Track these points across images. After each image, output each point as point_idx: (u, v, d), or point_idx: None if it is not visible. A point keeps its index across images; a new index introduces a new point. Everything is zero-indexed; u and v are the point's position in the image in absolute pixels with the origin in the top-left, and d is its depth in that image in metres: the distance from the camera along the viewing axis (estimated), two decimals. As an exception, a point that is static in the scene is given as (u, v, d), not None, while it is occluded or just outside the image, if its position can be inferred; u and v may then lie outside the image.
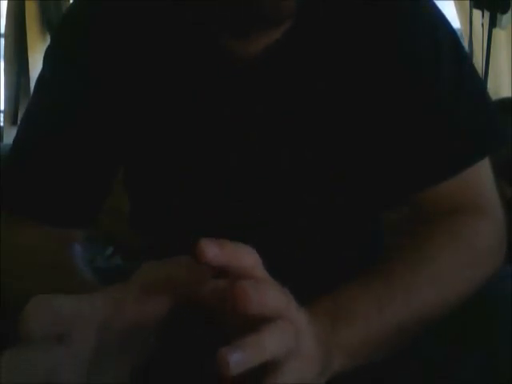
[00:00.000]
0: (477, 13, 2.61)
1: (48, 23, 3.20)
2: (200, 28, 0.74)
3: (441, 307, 0.65)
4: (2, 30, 3.26)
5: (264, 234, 0.78)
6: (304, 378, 0.50)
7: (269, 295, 0.48)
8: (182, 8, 0.74)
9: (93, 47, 0.76)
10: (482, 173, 0.76)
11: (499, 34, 2.71)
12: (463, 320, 0.67)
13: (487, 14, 2.50)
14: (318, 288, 0.61)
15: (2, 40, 3.26)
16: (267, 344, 0.46)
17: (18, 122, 0.87)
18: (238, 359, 0.44)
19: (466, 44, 2.74)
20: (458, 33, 2.82)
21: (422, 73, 0.74)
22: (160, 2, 0.75)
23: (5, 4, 3.19)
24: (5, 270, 0.71)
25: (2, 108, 3.27)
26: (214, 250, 0.47)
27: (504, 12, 2.43)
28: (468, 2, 2.68)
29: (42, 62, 0.81)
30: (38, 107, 0.80)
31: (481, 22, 2.56)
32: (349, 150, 0.76)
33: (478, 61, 2.60)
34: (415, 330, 0.64)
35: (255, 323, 0.47)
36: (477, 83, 0.79)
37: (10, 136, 3.02)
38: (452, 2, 2.92)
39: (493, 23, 2.47)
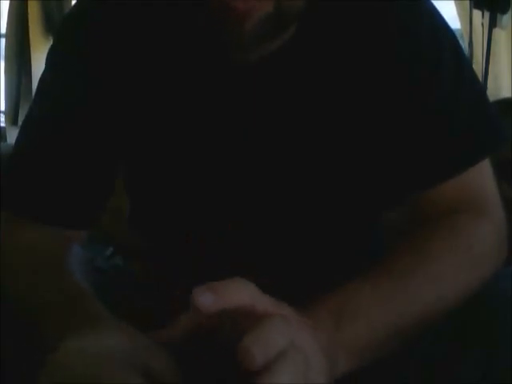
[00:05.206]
0: (477, 13, 2.60)
1: (50, 23, 3.19)
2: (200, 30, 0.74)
3: (440, 307, 0.65)
4: (3, 30, 3.25)
5: (264, 234, 0.78)
6: None
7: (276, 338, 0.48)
8: (179, 10, 0.75)
9: (94, 48, 0.76)
10: (483, 173, 0.76)
11: (499, 34, 2.71)
12: (463, 320, 0.67)
13: (487, 14, 2.49)
14: (318, 289, 0.61)
15: (3, 40, 3.26)
16: None
17: (19, 122, 0.87)
18: None
19: (466, 44, 2.74)
20: (458, 33, 2.82)
21: (422, 73, 0.74)
22: (160, 3, 0.75)
23: (6, 4, 3.19)
24: (5, 269, 0.71)
25: (3, 108, 3.26)
26: (208, 299, 0.47)
27: (504, 12, 2.43)
28: (468, 2, 2.67)
29: (44, 62, 0.81)
30: (39, 108, 0.80)
31: (481, 22, 2.56)
32: (350, 151, 0.76)
33: (478, 61, 2.59)
34: (415, 330, 0.64)
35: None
36: (476, 84, 0.79)
37: (11, 136, 3.02)
38: (452, 2, 2.92)
39: (493, 23, 2.46)
